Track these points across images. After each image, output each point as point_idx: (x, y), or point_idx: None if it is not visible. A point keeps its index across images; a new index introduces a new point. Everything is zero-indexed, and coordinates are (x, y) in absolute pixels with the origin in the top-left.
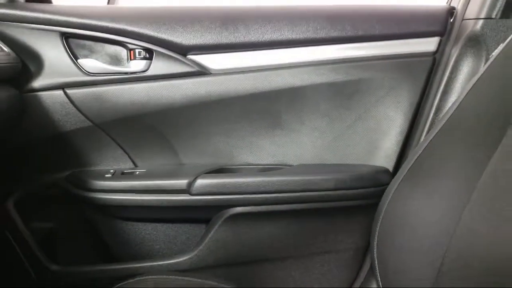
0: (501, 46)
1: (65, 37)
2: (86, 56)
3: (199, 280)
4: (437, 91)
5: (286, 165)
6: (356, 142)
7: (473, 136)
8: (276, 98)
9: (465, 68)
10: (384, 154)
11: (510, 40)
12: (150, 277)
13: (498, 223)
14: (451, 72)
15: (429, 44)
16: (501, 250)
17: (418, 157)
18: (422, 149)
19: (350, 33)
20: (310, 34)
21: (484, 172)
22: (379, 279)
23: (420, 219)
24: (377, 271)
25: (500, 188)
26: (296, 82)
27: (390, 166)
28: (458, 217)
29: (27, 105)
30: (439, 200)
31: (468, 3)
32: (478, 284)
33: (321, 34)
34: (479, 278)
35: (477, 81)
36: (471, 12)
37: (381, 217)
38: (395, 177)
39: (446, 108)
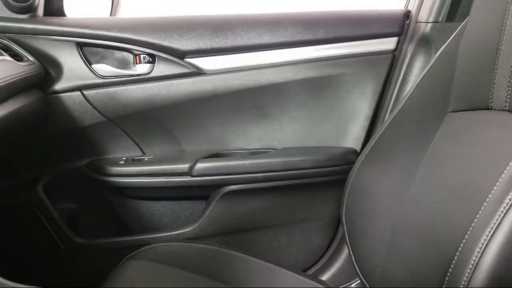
0: (443, 46)
1: (80, 46)
2: (98, 62)
3: (202, 245)
4: (396, 83)
5: (271, 148)
6: (329, 128)
7: (418, 123)
8: (261, 93)
9: (418, 63)
10: (352, 137)
11: (450, 41)
12: (160, 244)
13: (436, 193)
14: (407, 67)
15: (389, 43)
16: (437, 214)
17: (377, 140)
18: (380, 133)
19: (322, 36)
20: (288, 38)
21: (426, 153)
22: (347, 240)
23: (378, 190)
24: (346, 234)
25: (437, 164)
26: (277, 79)
27: (357, 147)
28: (407, 187)
29: (51, 105)
30: (393, 174)
31: (421, 8)
32: (420, 241)
33: (297, 37)
34: (423, 237)
35: (423, 76)
36: (423, 15)
37: (348, 189)
38: (359, 156)
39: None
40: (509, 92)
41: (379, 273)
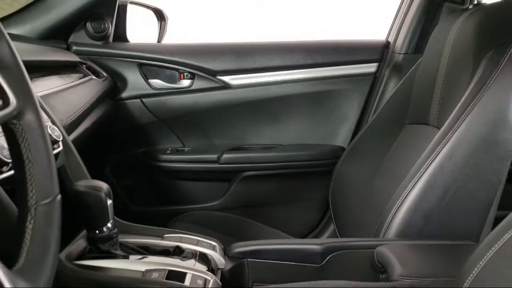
0: (408, 73)
1: (140, 65)
2: (153, 77)
3: (225, 214)
4: (375, 98)
5: (278, 144)
6: (323, 130)
7: (386, 131)
8: (272, 103)
9: (392, 84)
10: (341, 138)
11: (412, 69)
12: (194, 212)
13: (389, 183)
14: (384, 86)
15: (371, 68)
16: (387, 195)
17: (356, 141)
18: (358, 137)
19: (319, 61)
20: (293, 62)
21: (388, 154)
22: (332, 215)
23: (354, 179)
24: (331, 210)
25: (392, 163)
26: (284, 92)
27: (345, 145)
28: (373, 179)
29: (118, 109)
30: (364, 168)
31: (396, 40)
32: (375, 212)
33: (300, 62)
34: (377, 209)
35: (392, 95)
36: (398, 47)
37: (333, 177)
38: (344, 152)
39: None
40: (437, 112)
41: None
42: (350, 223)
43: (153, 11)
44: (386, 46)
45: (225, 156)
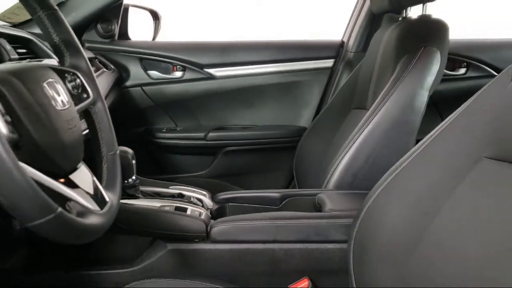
0: (356, 68)
1: (141, 59)
2: (152, 69)
3: (211, 180)
4: (331, 88)
5: (254, 125)
6: (290, 113)
7: (336, 114)
8: (249, 91)
9: (344, 76)
10: (304, 119)
11: (359, 65)
12: (184, 180)
13: (337, 151)
14: (339, 79)
15: (329, 63)
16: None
17: (314, 123)
18: (317, 119)
19: (287, 57)
20: (266, 58)
21: (337, 132)
22: (296, 180)
23: (312, 152)
24: (295, 176)
25: (339, 139)
26: (259, 82)
27: (307, 125)
28: (326, 151)
29: (123, 96)
30: (320, 144)
31: (349, 40)
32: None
33: (272, 57)
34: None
35: (342, 86)
36: (350, 46)
37: (297, 151)
38: (305, 131)
39: None
40: (370, 98)
41: None
42: (306, 181)
43: (149, 12)
44: (341, 45)
45: (210, 134)
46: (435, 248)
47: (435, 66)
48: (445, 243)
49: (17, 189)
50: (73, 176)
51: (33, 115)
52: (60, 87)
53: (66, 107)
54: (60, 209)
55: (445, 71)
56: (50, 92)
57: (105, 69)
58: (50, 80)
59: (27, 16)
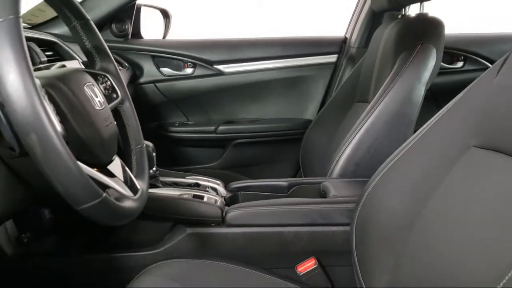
0: (358, 63)
1: (153, 57)
2: (164, 66)
3: (223, 171)
4: (335, 83)
5: (262, 118)
6: (296, 107)
7: (340, 108)
8: (257, 86)
9: (348, 71)
10: (309, 112)
11: (361, 60)
12: (196, 171)
13: (341, 144)
14: (342, 73)
15: (332, 58)
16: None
17: (319, 116)
18: (321, 112)
19: (292, 53)
20: (272, 54)
21: (340, 125)
22: (302, 170)
23: (317, 144)
24: (301, 166)
25: (343, 133)
26: (266, 78)
27: (312, 118)
28: (330, 143)
29: (137, 92)
30: (324, 136)
31: (351, 36)
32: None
33: (278, 53)
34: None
35: (345, 80)
36: (352, 42)
37: (303, 143)
38: (311, 124)
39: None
40: (371, 92)
41: None
42: (312, 171)
43: (160, 11)
44: (344, 41)
45: (220, 127)
46: (427, 231)
47: (431, 62)
48: (436, 227)
49: (72, 179)
50: (110, 167)
51: (78, 114)
52: (96, 89)
53: (103, 107)
54: (105, 194)
55: (443, 64)
56: (89, 93)
57: (120, 67)
58: (88, 83)
59: (45, 18)
